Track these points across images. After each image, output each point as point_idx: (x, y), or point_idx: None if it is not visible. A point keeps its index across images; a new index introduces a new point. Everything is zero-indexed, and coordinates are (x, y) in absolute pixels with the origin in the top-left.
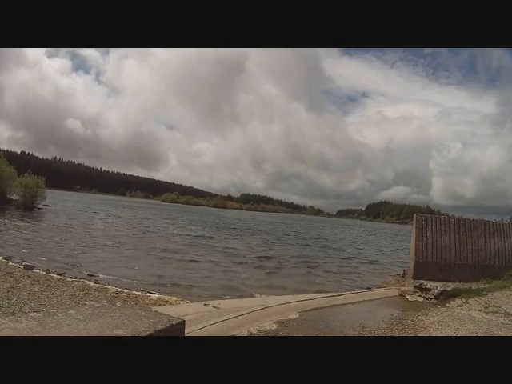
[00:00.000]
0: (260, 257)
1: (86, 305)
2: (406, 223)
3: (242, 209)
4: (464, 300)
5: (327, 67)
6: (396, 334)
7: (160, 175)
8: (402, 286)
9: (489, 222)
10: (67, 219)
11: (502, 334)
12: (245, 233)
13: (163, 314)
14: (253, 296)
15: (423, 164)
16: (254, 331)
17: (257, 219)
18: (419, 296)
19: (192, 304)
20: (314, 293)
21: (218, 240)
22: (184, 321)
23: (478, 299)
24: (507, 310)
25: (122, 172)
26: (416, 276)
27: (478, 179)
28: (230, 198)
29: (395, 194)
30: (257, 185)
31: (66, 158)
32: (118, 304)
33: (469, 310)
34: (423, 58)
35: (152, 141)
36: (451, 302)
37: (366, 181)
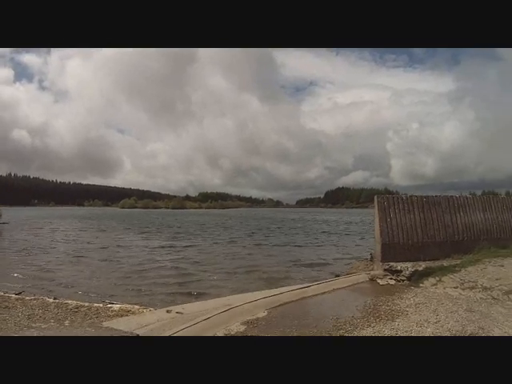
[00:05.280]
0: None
1: (32, 327)
2: (366, 207)
3: (200, 208)
4: (438, 278)
5: (278, 57)
6: (372, 322)
7: (116, 181)
8: (371, 270)
9: (452, 197)
10: (24, 235)
11: (482, 309)
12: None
13: (114, 330)
14: (218, 296)
15: (381, 147)
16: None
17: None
18: (390, 279)
19: (155, 312)
20: (281, 287)
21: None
22: (138, 335)
23: (451, 276)
24: (484, 285)
25: (78, 182)
26: (384, 259)
27: (437, 157)
28: (188, 198)
29: (354, 179)
30: (214, 182)
31: (20, 173)
32: (67, 323)
33: (444, 288)
34: None
35: (103, 146)
36: (425, 282)
37: (324, 168)
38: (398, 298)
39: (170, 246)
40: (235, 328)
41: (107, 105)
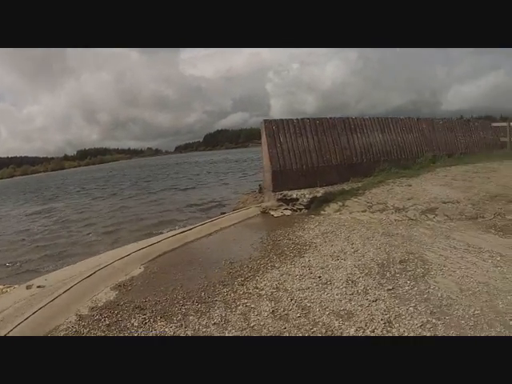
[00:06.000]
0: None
1: None
2: (246, 146)
3: (79, 166)
4: (340, 203)
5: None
6: (276, 261)
7: None
8: (262, 202)
9: (348, 118)
10: None
11: (401, 231)
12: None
13: None
14: (91, 257)
15: (261, 88)
16: (86, 311)
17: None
18: (286, 209)
19: (13, 291)
20: (159, 235)
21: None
22: None
23: (356, 200)
24: (396, 205)
25: None
26: (276, 188)
27: (318, 95)
28: (66, 158)
29: (234, 120)
30: (92, 138)
31: None
32: None
33: (350, 213)
34: None
35: None
36: (326, 209)
37: (203, 113)
38: (299, 230)
39: (45, 210)
40: (104, 297)
41: None
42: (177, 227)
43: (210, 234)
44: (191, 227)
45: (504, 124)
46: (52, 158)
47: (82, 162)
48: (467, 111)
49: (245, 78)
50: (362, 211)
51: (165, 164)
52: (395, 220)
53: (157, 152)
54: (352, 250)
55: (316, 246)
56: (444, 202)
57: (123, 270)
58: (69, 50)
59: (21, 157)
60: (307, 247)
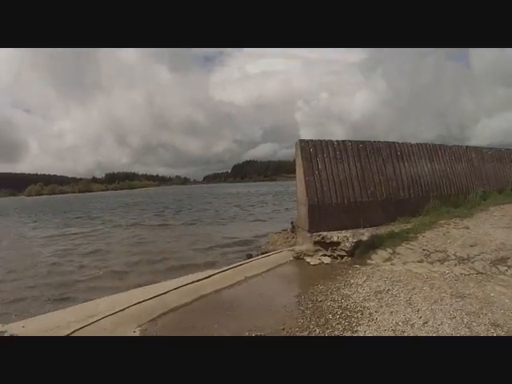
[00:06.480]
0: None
1: None
2: (274, 180)
3: (107, 189)
4: (390, 251)
5: None
6: (318, 334)
7: (23, 166)
8: (295, 244)
9: (394, 143)
10: None
11: (474, 291)
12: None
13: None
14: (88, 301)
15: (290, 117)
16: None
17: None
18: (324, 256)
19: None
20: (171, 279)
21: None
22: None
23: (409, 246)
24: (458, 254)
25: None
26: (313, 227)
27: (348, 126)
28: (94, 180)
29: (263, 151)
30: (122, 161)
31: None
32: None
33: (404, 263)
34: None
35: (7, 127)
36: (373, 257)
37: (233, 142)
38: (344, 285)
39: (63, 235)
40: None
41: (14, 83)
42: (195, 272)
43: (231, 286)
44: (211, 273)
45: None
46: (80, 179)
47: (109, 186)
48: (497, 146)
49: (275, 106)
50: (419, 261)
51: (192, 193)
52: (461, 274)
53: (185, 181)
54: (420, 322)
55: (371, 314)
56: None
57: (112, 331)
58: (102, 64)
59: (49, 175)
60: (359, 314)
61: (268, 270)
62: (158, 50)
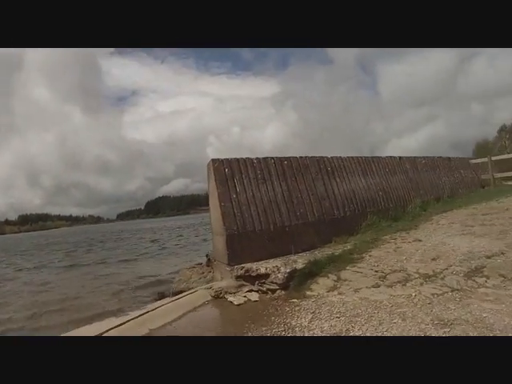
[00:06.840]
0: None
1: None
2: (187, 213)
3: (20, 231)
4: (335, 277)
5: (103, 64)
6: None
7: None
8: (212, 280)
9: (323, 158)
10: None
11: (459, 314)
12: None
13: None
14: None
15: (202, 152)
16: None
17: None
18: (250, 291)
19: None
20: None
21: None
22: None
23: (355, 269)
24: (421, 271)
25: None
26: (234, 259)
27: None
28: (7, 222)
29: (176, 186)
30: (35, 202)
31: None
32: None
33: (356, 291)
34: (195, 51)
35: None
36: (313, 287)
37: (145, 179)
38: (285, 331)
39: None
40: None
41: None
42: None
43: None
44: (104, 329)
45: (484, 160)
46: None
47: (22, 228)
48: None
49: (186, 143)
50: (374, 286)
51: (106, 231)
52: (433, 295)
53: (99, 219)
54: None
55: None
56: (488, 257)
57: None
58: (16, 104)
59: None
60: None
61: (180, 317)
62: (71, 90)
